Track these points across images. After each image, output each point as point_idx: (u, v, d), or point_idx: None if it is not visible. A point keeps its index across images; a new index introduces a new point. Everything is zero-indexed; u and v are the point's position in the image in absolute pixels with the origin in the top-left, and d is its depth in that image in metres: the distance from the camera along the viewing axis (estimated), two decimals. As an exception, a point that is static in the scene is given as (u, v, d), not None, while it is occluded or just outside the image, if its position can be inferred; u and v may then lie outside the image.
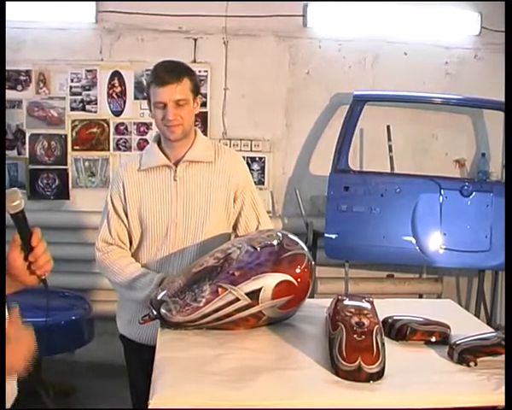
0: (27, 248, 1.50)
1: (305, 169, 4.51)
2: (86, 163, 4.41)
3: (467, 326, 1.93)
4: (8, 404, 1.47)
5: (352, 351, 1.56)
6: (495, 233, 3.87)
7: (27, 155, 4.36)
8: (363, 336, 1.59)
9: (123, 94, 4.36)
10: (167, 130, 2.22)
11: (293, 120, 4.48)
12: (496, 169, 4.46)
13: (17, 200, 1.52)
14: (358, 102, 4.02)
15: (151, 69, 2.26)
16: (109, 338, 3.38)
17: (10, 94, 4.25)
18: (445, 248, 3.94)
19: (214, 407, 1.43)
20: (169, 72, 2.18)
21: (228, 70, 4.39)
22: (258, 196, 2.43)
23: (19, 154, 4.36)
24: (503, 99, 4.24)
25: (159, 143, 2.32)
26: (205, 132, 4.24)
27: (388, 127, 4.33)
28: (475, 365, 1.62)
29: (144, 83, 4.26)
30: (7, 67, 4.09)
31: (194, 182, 2.28)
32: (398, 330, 1.84)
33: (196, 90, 2.25)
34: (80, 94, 4.34)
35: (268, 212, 3.33)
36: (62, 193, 4.41)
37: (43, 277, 1.53)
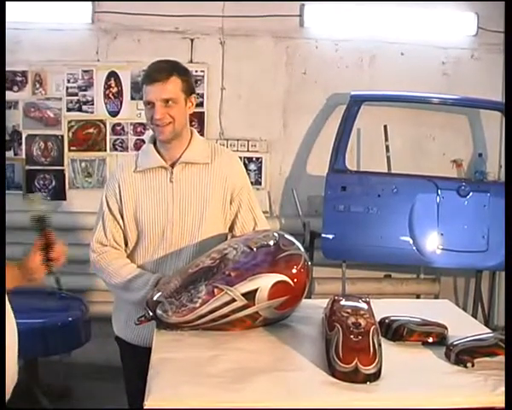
0: (48, 248, 1.77)
1: (302, 169, 4.51)
2: (83, 164, 4.40)
3: (464, 327, 1.92)
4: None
5: (349, 352, 1.55)
6: (492, 233, 3.87)
7: (24, 156, 4.35)
8: (360, 337, 1.59)
9: (119, 94, 4.35)
10: (156, 129, 2.21)
11: (290, 120, 4.48)
12: (493, 169, 4.47)
13: (45, 204, 1.83)
14: (355, 103, 4.01)
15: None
16: (106, 340, 3.37)
17: (7, 95, 4.24)
18: (442, 249, 3.94)
19: (210, 408, 1.42)
20: (158, 70, 2.16)
21: (225, 70, 4.39)
22: (255, 196, 2.42)
23: (15, 154, 4.35)
24: (499, 99, 4.28)
25: (154, 144, 2.31)
26: (201, 132, 4.24)
27: (385, 127, 4.32)
28: (472, 366, 1.62)
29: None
30: (3, 68, 4.09)
31: (190, 183, 2.27)
32: (395, 331, 1.83)
33: (189, 90, 2.22)
34: (77, 94, 4.33)
35: (265, 212, 3.33)
36: (59, 194, 4.40)
37: (57, 275, 1.83)
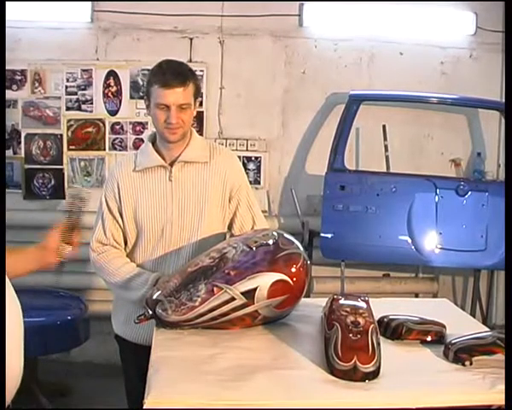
0: (72, 231, 1.87)
1: (301, 168, 4.51)
2: (82, 163, 4.40)
3: (462, 325, 1.93)
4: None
5: (348, 350, 1.55)
6: (490, 233, 3.88)
7: (23, 155, 4.35)
8: (359, 336, 1.59)
9: (118, 93, 4.36)
10: (168, 132, 2.21)
11: (289, 120, 4.49)
12: (491, 168, 4.48)
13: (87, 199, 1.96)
14: (354, 102, 4.02)
15: (153, 67, 2.22)
16: (105, 338, 3.38)
17: (6, 93, 4.25)
18: (440, 248, 3.94)
19: (210, 406, 1.43)
20: (175, 74, 2.15)
21: (224, 69, 4.39)
22: (254, 195, 2.43)
23: (14, 153, 4.35)
24: (498, 98, 4.29)
25: (153, 143, 2.32)
26: (201, 132, 4.25)
27: (384, 127, 4.33)
28: (471, 364, 1.62)
29: (140, 82, 4.27)
30: (2, 67, 4.09)
31: (189, 182, 2.27)
32: (394, 330, 1.84)
33: (198, 94, 2.25)
34: (76, 93, 4.34)
35: (264, 211, 3.34)
36: (58, 193, 4.40)
37: (64, 259, 1.87)
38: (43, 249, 1.88)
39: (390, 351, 1.69)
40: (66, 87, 4.33)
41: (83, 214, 1.95)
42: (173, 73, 2.16)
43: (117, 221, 2.31)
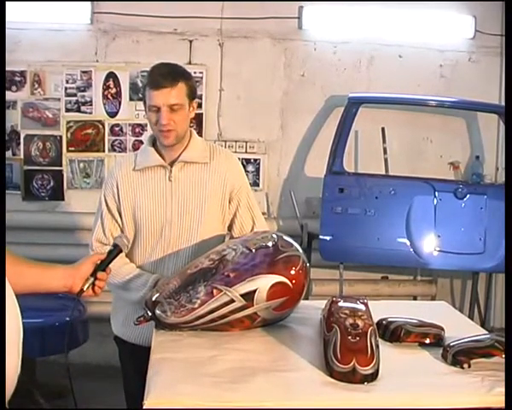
0: (102, 270, 1.82)
1: (300, 171, 4.52)
2: (81, 164, 4.40)
3: (461, 328, 1.94)
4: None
5: (347, 353, 1.56)
6: (489, 235, 3.89)
7: (22, 156, 4.35)
8: (358, 338, 1.60)
9: (118, 95, 4.36)
10: (161, 134, 2.21)
11: (288, 122, 4.49)
12: (490, 172, 4.48)
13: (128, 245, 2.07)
14: (353, 105, 4.03)
15: (148, 71, 2.26)
16: (104, 340, 3.38)
17: (5, 94, 4.25)
18: (439, 251, 3.95)
19: (209, 407, 1.43)
20: (164, 75, 2.16)
21: (223, 72, 4.40)
22: (254, 197, 2.43)
23: (13, 154, 4.35)
24: (497, 102, 4.29)
25: (154, 144, 2.32)
26: (200, 134, 4.24)
27: (383, 129, 4.34)
28: (469, 366, 1.63)
29: (139, 84, 4.27)
30: (2, 68, 4.09)
31: (189, 182, 2.28)
32: (393, 332, 1.84)
33: (192, 95, 2.24)
34: (75, 95, 4.34)
35: (263, 213, 3.33)
36: (57, 194, 4.41)
37: (84, 288, 1.79)
38: (74, 271, 1.78)
39: (389, 353, 1.69)
40: (66, 88, 4.33)
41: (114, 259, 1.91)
42: (163, 74, 2.17)
43: (116, 221, 2.31)
